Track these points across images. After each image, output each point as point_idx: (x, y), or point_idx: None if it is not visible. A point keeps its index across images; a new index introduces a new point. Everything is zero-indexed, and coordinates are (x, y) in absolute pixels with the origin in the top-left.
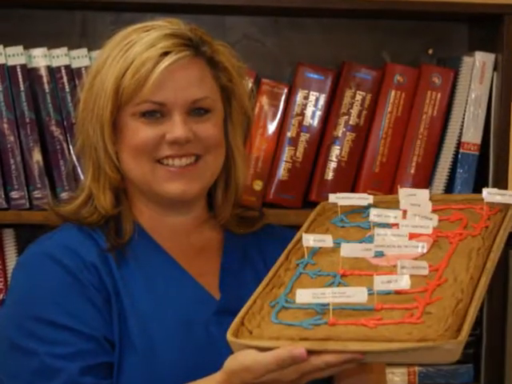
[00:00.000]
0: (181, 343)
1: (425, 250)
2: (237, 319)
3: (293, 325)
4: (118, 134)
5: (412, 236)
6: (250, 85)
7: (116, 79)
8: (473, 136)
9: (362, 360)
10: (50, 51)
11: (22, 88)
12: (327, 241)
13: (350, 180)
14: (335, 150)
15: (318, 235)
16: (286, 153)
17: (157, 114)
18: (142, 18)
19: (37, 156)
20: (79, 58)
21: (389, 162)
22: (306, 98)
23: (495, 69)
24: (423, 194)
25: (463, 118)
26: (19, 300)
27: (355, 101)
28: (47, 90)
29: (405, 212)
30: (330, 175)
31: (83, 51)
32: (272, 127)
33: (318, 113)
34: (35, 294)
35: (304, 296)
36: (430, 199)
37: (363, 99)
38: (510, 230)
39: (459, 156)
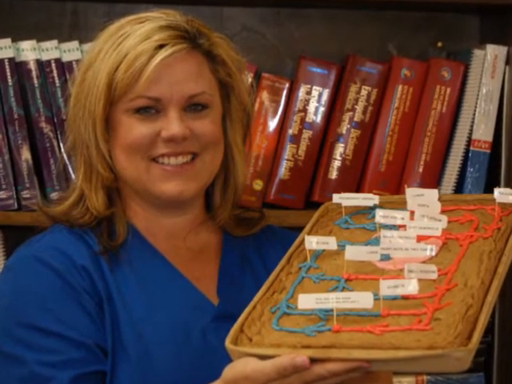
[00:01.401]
0: (177, 350)
1: (433, 253)
2: (236, 326)
3: (295, 332)
4: (110, 131)
5: (420, 238)
6: (250, 79)
7: (109, 73)
8: (484, 133)
9: (367, 368)
10: (40, 44)
11: (10, 83)
12: (331, 243)
13: (354, 179)
14: (339, 148)
15: (321, 237)
16: (288, 151)
17: (152, 110)
18: (136, 10)
19: (25, 154)
20: (70, 51)
21: (395, 161)
22: (309, 93)
23: (507, 62)
24: (432, 194)
25: (474, 114)
26: (7, 305)
27: (360, 96)
28: (36, 85)
29: (412, 213)
30: (333, 174)
31: (74, 44)
32: (273, 124)
33: (321, 109)
34: (24, 299)
35: (306, 301)
36: (439, 199)
37: (368, 94)
38: None
39: (469, 154)
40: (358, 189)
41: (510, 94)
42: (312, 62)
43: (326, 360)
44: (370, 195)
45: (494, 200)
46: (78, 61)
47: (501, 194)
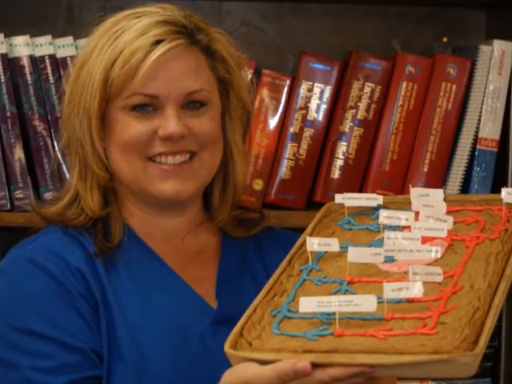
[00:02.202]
0: (174, 355)
1: (439, 255)
2: (235, 329)
3: (296, 336)
4: (106, 130)
5: (425, 240)
6: (250, 76)
7: (104, 70)
8: (491, 131)
9: (370, 374)
10: (33, 39)
11: (3, 79)
12: (333, 245)
13: (357, 179)
14: (342, 147)
15: (323, 239)
16: (289, 150)
17: (148, 107)
18: (133, 4)
19: (19, 153)
20: (64, 46)
21: (400, 160)
22: (310, 90)
23: None
24: (437, 194)
25: (480, 112)
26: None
27: (363, 93)
28: (30, 82)
29: (417, 214)
30: (336, 174)
31: (69, 39)
32: (273, 122)
33: (324, 106)
34: (16, 302)
35: (308, 305)
36: (445, 200)
37: (372, 91)
38: None
39: (476, 153)
40: (361, 189)
41: None
42: (314, 58)
43: (328, 365)
44: (374, 195)
45: (501, 200)
46: (72, 57)
47: (508, 194)
